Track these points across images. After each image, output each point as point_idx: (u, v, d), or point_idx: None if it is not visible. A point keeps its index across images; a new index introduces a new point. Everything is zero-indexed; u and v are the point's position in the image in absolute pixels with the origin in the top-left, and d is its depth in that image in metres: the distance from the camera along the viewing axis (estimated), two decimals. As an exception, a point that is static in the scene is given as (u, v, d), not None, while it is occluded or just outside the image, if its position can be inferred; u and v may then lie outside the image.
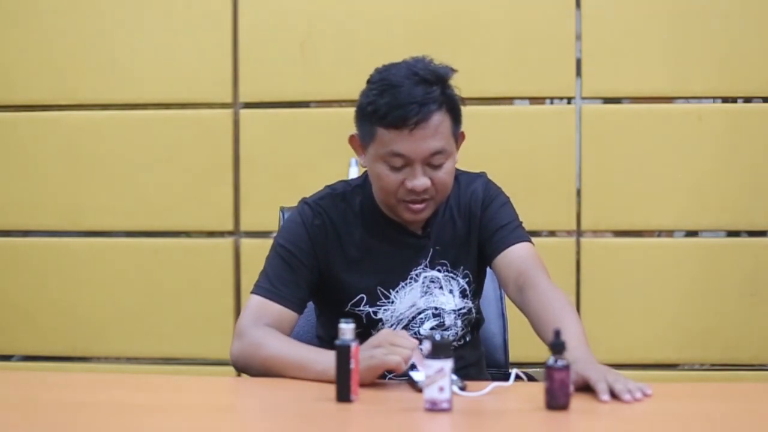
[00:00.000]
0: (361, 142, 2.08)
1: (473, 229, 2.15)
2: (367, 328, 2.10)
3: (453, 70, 2.05)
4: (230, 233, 3.30)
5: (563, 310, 1.97)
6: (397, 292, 2.12)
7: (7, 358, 3.39)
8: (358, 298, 2.11)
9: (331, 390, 1.76)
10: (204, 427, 1.67)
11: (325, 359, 1.89)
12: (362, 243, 2.11)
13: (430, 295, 2.13)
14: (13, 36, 3.34)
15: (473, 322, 2.21)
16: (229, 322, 3.29)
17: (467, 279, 2.16)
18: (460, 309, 2.16)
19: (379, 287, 2.11)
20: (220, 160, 3.29)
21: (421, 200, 2.04)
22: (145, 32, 3.30)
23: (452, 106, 2.04)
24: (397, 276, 2.12)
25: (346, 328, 1.76)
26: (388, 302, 2.11)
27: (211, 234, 3.32)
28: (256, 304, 2.10)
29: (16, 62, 3.34)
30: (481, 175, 2.22)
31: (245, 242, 3.29)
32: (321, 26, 3.26)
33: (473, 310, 2.18)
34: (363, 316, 2.11)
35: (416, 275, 2.13)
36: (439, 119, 2.00)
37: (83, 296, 3.34)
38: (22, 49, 3.33)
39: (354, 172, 3.04)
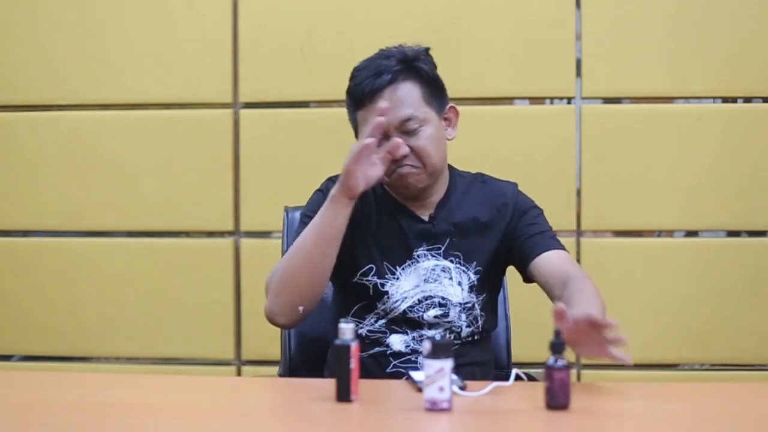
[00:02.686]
0: (356, 134, 2.19)
1: (497, 230, 2.20)
2: (373, 300, 2.16)
3: (423, 48, 2.18)
4: (230, 233, 3.30)
5: (593, 296, 2.00)
6: (402, 269, 2.17)
7: (7, 358, 3.39)
8: (367, 268, 2.17)
9: (331, 390, 1.76)
10: (204, 427, 1.67)
11: (329, 215, 2.07)
12: (375, 220, 2.19)
13: (439, 283, 2.17)
14: (13, 36, 3.33)
15: (481, 322, 2.21)
16: (229, 322, 3.29)
17: (478, 275, 2.18)
18: (466, 303, 2.18)
19: (386, 263, 2.17)
20: (220, 160, 3.29)
21: (407, 165, 2.12)
22: (146, 32, 3.30)
23: (419, 75, 2.14)
24: (402, 254, 2.18)
25: (346, 328, 1.76)
26: (394, 278, 2.17)
27: (211, 234, 3.32)
28: None
29: (16, 62, 3.34)
30: (514, 183, 2.29)
31: (245, 242, 3.29)
32: (321, 26, 3.26)
33: (477, 306, 2.19)
34: (371, 286, 2.16)
35: (418, 256, 2.17)
36: (403, 88, 2.12)
37: (83, 296, 3.34)
38: (22, 49, 3.33)
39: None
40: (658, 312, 3.19)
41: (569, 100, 3.20)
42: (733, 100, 3.18)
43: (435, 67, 2.20)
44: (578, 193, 3.20)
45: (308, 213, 2.19)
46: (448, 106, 2.20)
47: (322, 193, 2.20)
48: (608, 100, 3.20)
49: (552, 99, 3.21)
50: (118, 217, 3.33)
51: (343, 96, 3.21)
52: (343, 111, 3.29)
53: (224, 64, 3.28)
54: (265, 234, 3.25)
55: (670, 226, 3.21)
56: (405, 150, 2.10)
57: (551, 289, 2.12)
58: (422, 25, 3.20)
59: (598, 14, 3.18)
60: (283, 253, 2.40)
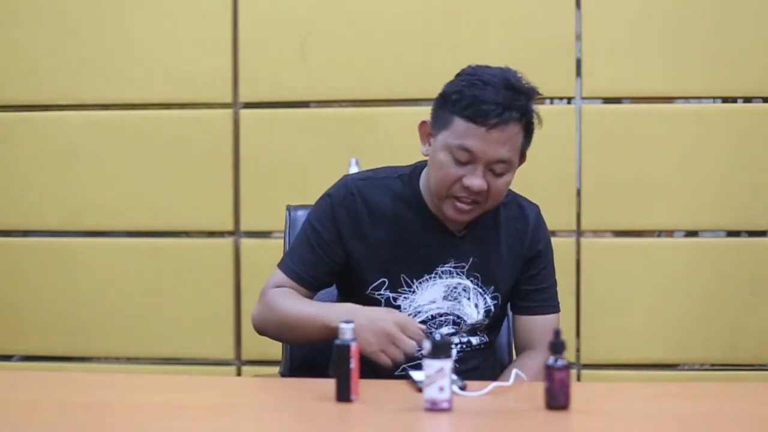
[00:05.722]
0: (432, 128, 2.09)
1: (515, 262, 2.19)
2: None
3: (539, 92, 2.08)
4: (230, 233, 3.30)
5: (525, 371, 2.00)
6: (420, 283, 2.12)
7: (7, 358, 3.39)
8: (379, 282, 2.12)
9: (331, 390, 1.76)
10: (204, 427, 1.67)
11: (334, 314, 1.98)
12: (394, 229, 2.12)
13: (458, 302, 2.14)
14: (13, 36, 3.34)
15: (487, 333, 2.21)
16: (229, 322, 3.29)
17: (495, 301, 2.17)
18: (478, 326, 2.17)
19: (402, 275, 2.12)
20: (220, 160, 3.29)
21: (471, 201, 2.05)
22: (146, 32, 3.30)
23: (529, 123, 2.07)
24: (422, 267, 2.13)
25: (346, 328, 1.76)
26: (409, 291, 2.12)
27: (211, 234, 3.32)
28: (278, 278, 2.16)
29: (16, 62, 3.34)
30: (536, 206, 2.25)
31: (245, 242, 3.29)
32: (321, 26, 3.26)
33: (485, 327, 2.19)
34: (382, 300, 2.12)
35: (441, 272, 2.13)
36: (516, 130, 2.03)
37: (84, 296, 3.34)
38: (22, 49, 3.33)
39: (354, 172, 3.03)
40: (658, 312, 3.19)
41: (569, 100, 3.20)
42: (733, 100, 3.19)
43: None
44: (578, 193, 3.20)
45: (314, 221, 2.14)
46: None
47: (330, 199, 2.14)
48: (608, 100, 3.21)
49: (552, 99, 3.21)
50: (118, 217, 3.33)
51: (342, 96, 3.25)
52: (343, 111, 3.31)
53: (224, 64, 3.28)
54: (265, 234, 3.26)
55: (670, 226, 3.21)
56: (483, 187, 2.03)
57: (514, 339, 2.25)
58: (422, 25, 3.20)
59: (598, 14, 3.18)
60: (285, 252, 2.38)
